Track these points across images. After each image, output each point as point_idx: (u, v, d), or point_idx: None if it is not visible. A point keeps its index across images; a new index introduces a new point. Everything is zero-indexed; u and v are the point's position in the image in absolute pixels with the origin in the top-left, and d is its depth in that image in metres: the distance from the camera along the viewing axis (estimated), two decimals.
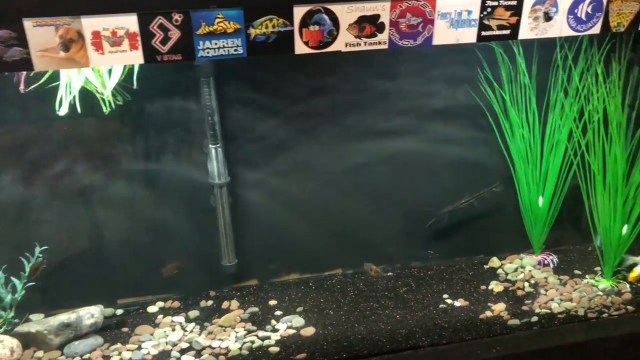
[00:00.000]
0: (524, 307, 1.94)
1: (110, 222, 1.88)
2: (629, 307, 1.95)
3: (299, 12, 1.30)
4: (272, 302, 1.98)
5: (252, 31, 1.29)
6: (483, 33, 1.41)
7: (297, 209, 2.01)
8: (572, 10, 1.43)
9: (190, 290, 2.01)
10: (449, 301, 1.98)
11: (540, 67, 1.89)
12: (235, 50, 1.31)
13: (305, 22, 1.31)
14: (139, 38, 1.25)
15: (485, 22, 1.40)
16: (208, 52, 1.30)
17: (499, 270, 2.14)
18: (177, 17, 1.25)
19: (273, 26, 1.30)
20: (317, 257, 2.10)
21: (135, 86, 1.61)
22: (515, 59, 1.87)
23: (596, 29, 1.47)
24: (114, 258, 1.91)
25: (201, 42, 1.28)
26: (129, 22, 1.23)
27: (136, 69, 1.59)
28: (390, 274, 2.14)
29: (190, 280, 2.01)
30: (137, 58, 1.27)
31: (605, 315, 1.93)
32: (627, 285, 2.02)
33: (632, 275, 1.94)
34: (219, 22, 1.27)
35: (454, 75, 1.92)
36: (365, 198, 2.05)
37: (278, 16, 1.29)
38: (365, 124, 1.94)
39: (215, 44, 1.29)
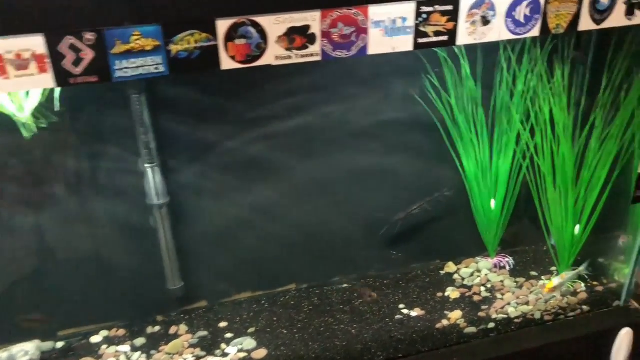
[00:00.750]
0: (481, 314, 1.90)
1: (49, 250, 1.76)
2: (585, 307, 1.94)
3: (222, 25, 1.22)
4: (223, 324, 1.90)
5: (173, 47, 1.21)
6: (420, 40, 1.35)
7: (244, 225, 1.92)
8: (509, 13, 1.39)
9: (136, 317, 1.91)
10: (405, 311, 1.94)
11: (486, 69, 1.85)
12: (156, 68, 1.21)
13: (230, 35, 1.23)
14: (47, 60, 1.14)
15: (422, 29, 1.34)
16: (126, 72, 1.20)
17: (455, 276, 2.10)
18: (89, 36, 1.15)
19: (195, 41, 1.21)
20: (269, 273, 2.02)
21: (57, 107, 1.50)
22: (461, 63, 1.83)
23: (535, 32, 1.43)
24: (52, 288, 1.80)
25: (117, 62, 1.19)
26: (35, 43, 1.13)
27: (58, 90, 1.49)
28: (345, 285, 2.08)
29: (136, 306, 1.91)
30: (47, 82, 1.16)
31: (561, 317, 1.92)
32: (582, 285, 2.01)
33: (549, 286, 1.91)
34: (136, 40, 1.18)
35: (400, 82, 1.86)
36: (315, 209, 1.98)
37: (200, 31, 1.21)
38: (312, 135, 1.86)
39: (134, 63, 1.20)
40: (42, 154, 1.64)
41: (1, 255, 1.72)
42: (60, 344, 1.82)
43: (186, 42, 1.21)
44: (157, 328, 1.89)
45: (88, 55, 1.17)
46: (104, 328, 1.88)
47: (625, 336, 1.87)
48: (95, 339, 1.85)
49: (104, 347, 1.81)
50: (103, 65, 1.18)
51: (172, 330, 1.88)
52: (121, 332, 1.88)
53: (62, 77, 1.17)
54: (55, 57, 1.15)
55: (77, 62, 1.17)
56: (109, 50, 1.17)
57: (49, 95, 1.50)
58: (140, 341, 1.83)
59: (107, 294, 1.86)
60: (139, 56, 1.19)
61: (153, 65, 1.21)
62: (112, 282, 1.85)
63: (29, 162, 1.64)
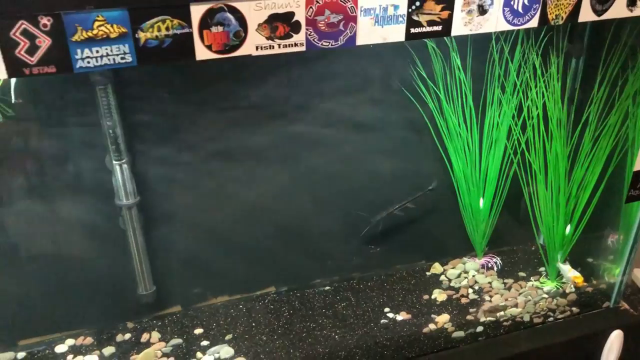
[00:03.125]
0: (469, 317, 1.83)
1: (9, 252, 1.62)
2: (574, 309, 1.88)
3: (197, 11, 1.10)
4: (198, 331, 1.79)
5: (142, 35, 1.08)
6: (412, 30, 1.25)
7: (221, 225, 1.81)
8: (508, 2, 1.29)
9: (105, 324, 1.79)
10: (391, 315, 1.85)
11: (476, 61, 1.76)
12: (123, 58, 1.09)
13: (205, 22, 1.11)
14: None
15: (415, 17, 1.24)
16: (89, 62, 1.07)
17: (442, 277, 2.02)
18: (45, 20, 1.02)
19: (167, 29, 1.09)
20: (247, 275, 1.91)
21: (14, 100, 1.36)
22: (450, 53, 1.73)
23: (534, 22, 1.34)
24: (13, 293, 1.66)
25: (79, 50, 1.06)
26: None
27: (13, 80, 1.35)
28: (327, 288, 1.98)
29: (105, 312, 1.78)
30: None
31: (551, 319, 1.86)
32: (572, 286, 1.95)
33: (579, 280, 1.88)
34: (99, 26, 1.05)
35: (385, 74, 1.76)
36: (296, 209, 1.87)
37: (172, 17, 1.08)
38: (293, 131, 1.75)
39: (97, 51, 1.07)
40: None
41: None
42: (21, 355, 1.69)
43: (156, 29, 1.09)
44: (127, 335, 1.77)
45: (44, 42, 1.04)
46: (70, 336, 1.75)
47: (615, 338, 1.81)
48: (60, 349, 1.72)
49: (69, 357, 1.69)
50: (62, 54, 1.05)
51: (144, 337, 1.76)
52: (88, 340, 1.75)
53: (15, 67, 1.04)
54: (7, 44, 1.02)
55: (32, 50, 1.03)
56: (69, 38, 1.04)
57: (4, 86, 1.36)
58: (109, 350, 1.71)
59: (74, 299, 1.73)
60: (103, 44, 1.07)
61: (119, 54, 1.09)
62: (79, 287, 1.72)
63: None
